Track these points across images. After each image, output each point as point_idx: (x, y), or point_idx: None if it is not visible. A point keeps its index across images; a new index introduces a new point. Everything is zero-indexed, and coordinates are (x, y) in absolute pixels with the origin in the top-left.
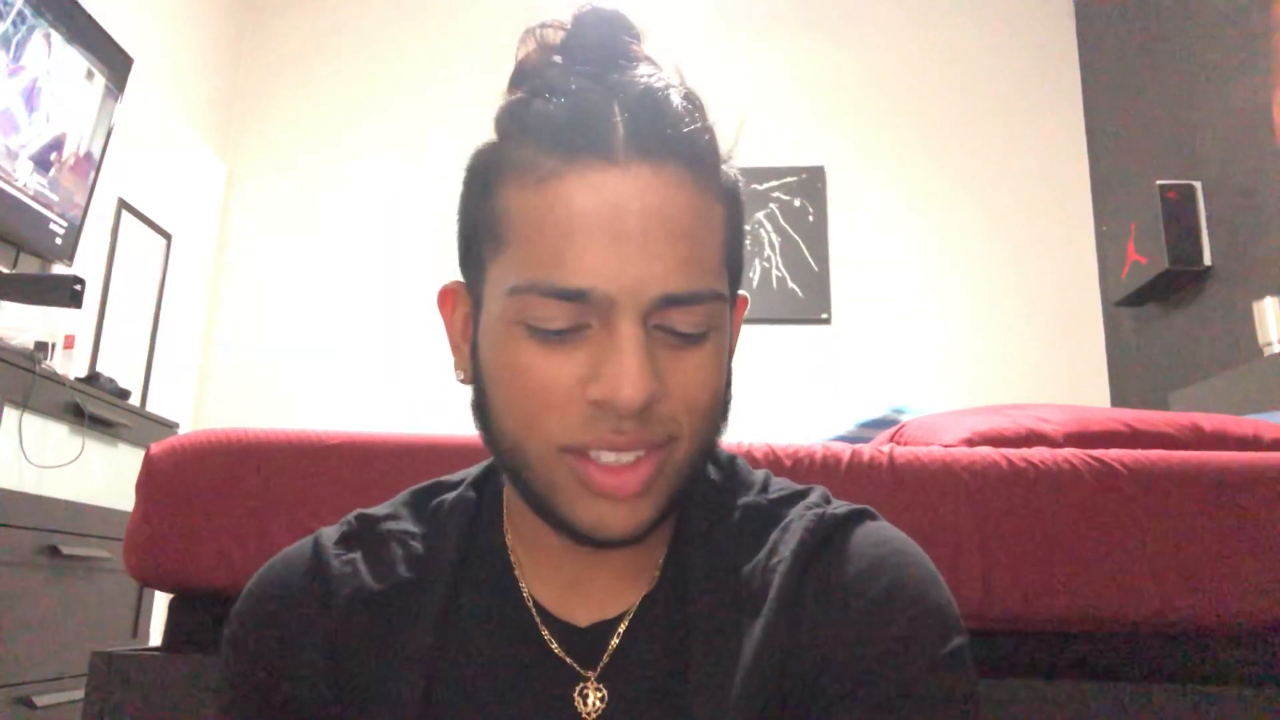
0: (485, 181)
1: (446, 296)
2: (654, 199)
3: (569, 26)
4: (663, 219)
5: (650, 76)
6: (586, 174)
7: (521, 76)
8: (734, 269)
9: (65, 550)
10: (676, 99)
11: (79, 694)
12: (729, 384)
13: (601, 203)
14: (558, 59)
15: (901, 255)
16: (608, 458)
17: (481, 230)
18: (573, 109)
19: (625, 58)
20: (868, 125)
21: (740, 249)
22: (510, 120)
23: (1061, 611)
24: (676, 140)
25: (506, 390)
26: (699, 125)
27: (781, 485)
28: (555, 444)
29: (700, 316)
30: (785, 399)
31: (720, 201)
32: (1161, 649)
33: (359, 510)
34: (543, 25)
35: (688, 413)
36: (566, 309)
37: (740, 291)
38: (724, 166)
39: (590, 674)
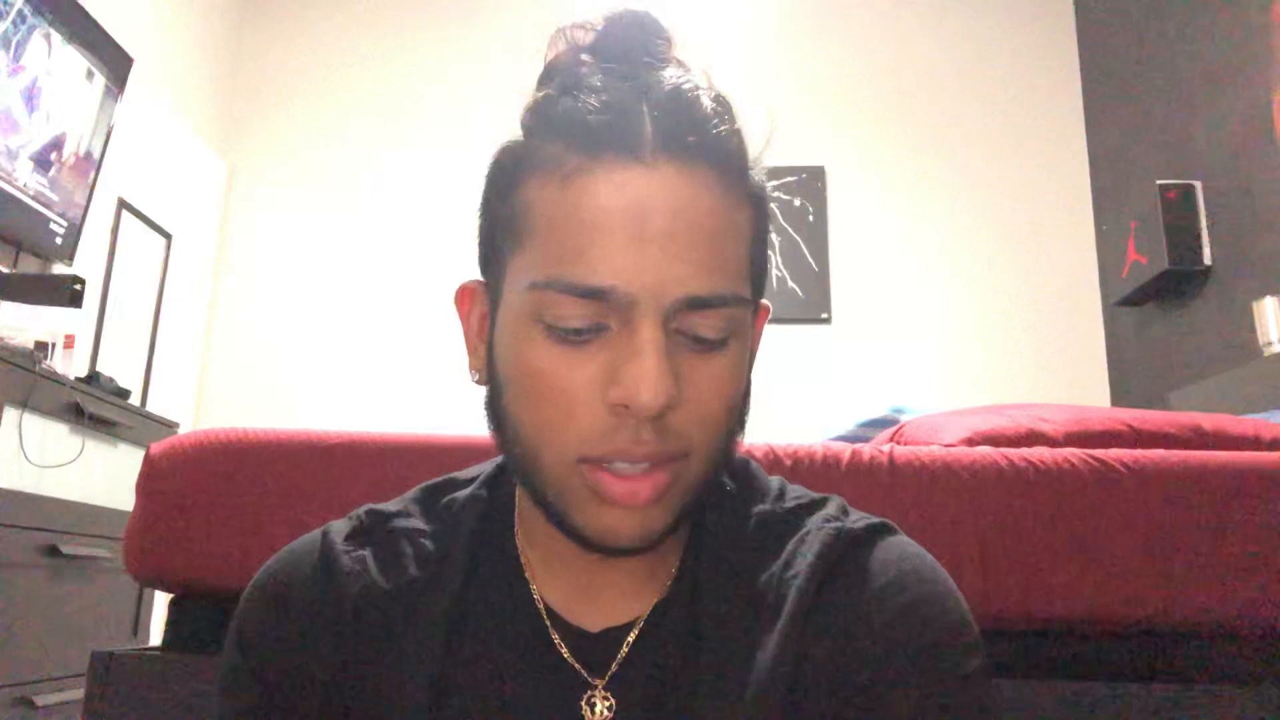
0: (509, 178)
1: (464, 295)
2: (680, 200)
3: (600, 27)
4: (688, 220)
5: (680, 78)
6: (613, 172)
7: (550, 75)
8: (757, 275)
9: (65, 550)
10: (706, 100)
11: (79, 694)
12: (747, 393)
13: (627, 201)
14: (587, 58)
15: (901, 255)
16: (622, 467)
17: (503, 227)
18: (601, 107)
19: (655, 59)
20: (868, 125)
21: (764, 255)
22: (537, 117)
23: (1061, 611)
24: (705, 141)
25: (524, 394)
26: (728, 128)
27: (798, 493)
28: (573, 455)
29: (722, 321)
30: (785, 399)
31: (747, 205)
32: (1161, 649)
33: (368, 505)
34: (574, 25)
35: (699, 426)
36: (586, 307)
37: (763, 300)
38: (751, 171)
39: (598, 682)
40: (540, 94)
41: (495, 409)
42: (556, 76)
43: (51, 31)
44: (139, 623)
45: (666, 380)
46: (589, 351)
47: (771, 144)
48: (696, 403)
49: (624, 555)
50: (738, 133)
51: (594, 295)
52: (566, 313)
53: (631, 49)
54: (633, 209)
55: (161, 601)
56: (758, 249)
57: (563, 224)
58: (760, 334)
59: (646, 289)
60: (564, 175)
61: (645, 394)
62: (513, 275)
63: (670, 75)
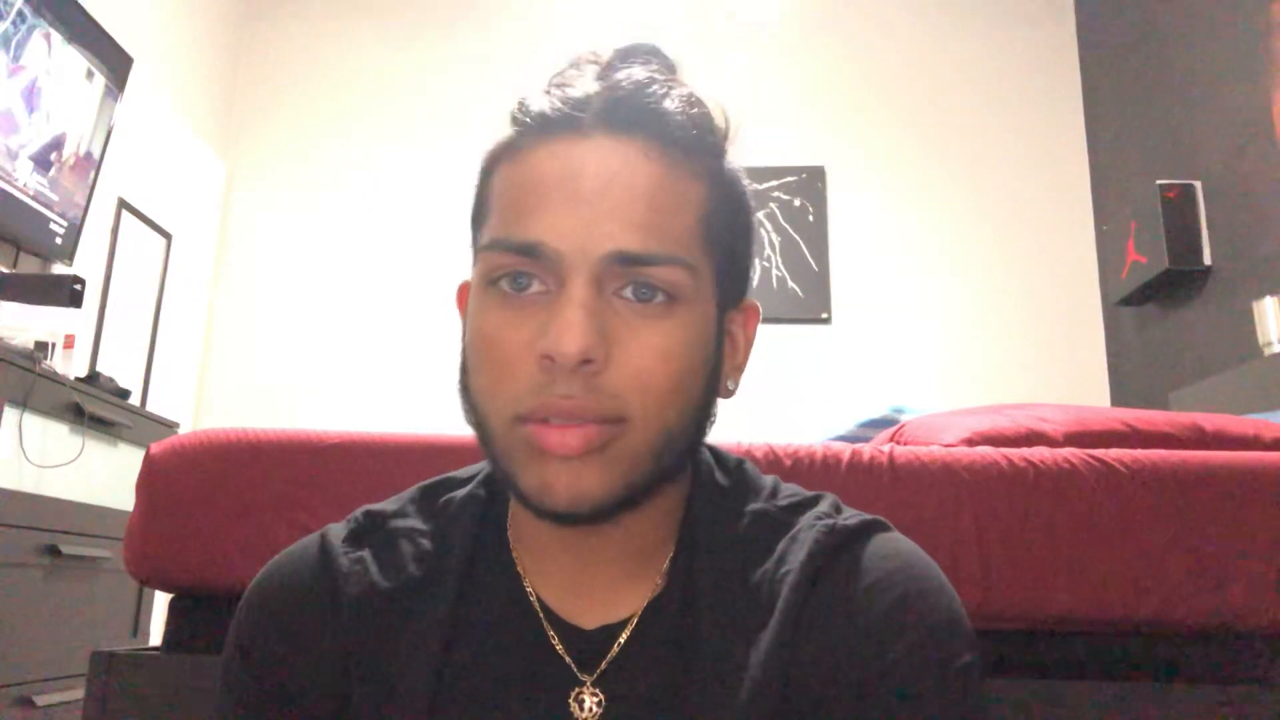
0: (482, 172)
1: (462, 293)
2: (615, 164)
3: (608, 57)
4: (622, 182)
5: (647, 73)
6: (553, 143)
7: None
8: (721, 253)
9: (65, 550)
10: (664, 89)
11: (79, 694)
12: (713, 377)
13: (562, 166)
14: (570, 69)
15: (901, 255)
16: (556, 420)
17: (477, 215)
18: (559, 96)
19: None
20: (868, 125)
21: (728, 235)
22: (511, 117)
23: (1061, 611)
24: (646, 116)
25: (476, 361)
26: (679, 109)
27: (791, 491)
28: (511, 413)
29: (660, 282)
30: (785, 399)
31: (699, 182)
32: (1161, 649)
33: (366, 507)
34: (587, 58)
35: (639, 391)
36: (522, 264)
37: (751, 300)
38: (713, 155)
39: (587, 678)
40: (519, 99)
41: (463, 386)
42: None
43: (51, 31)
44: (139, 623)
45: (586, 330)
46: (528, 313)
47: (770, 145)
48: (633, 366)
49: (567, 523)
50: (696, 120)
51: (526, 251)
52: (504, 267)
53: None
54: (568, 173)
55: (161, 601)
56: (720, 227)
57: (508, 193)
58: (753, 335)
59: (575, 245)
60: (516, 156)
61: (564, 343)
62: (477, 251)
63: (638, 71)
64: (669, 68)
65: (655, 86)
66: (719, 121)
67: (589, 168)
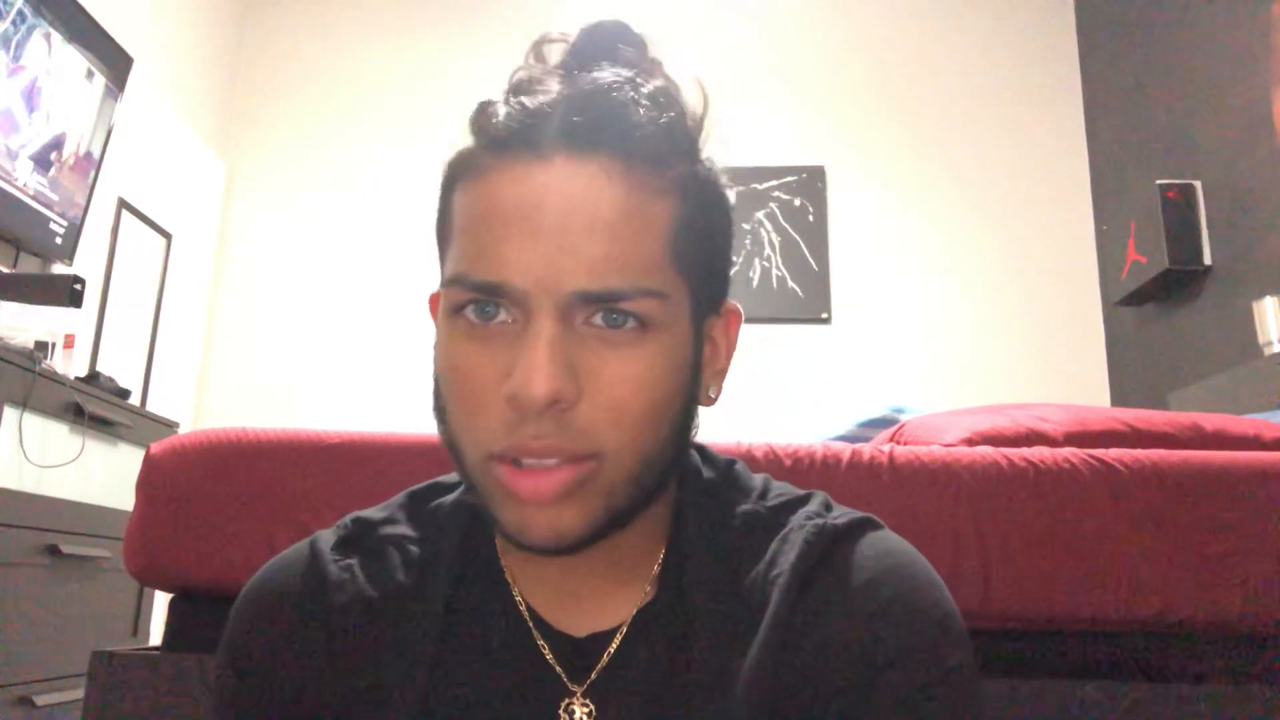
0: (444, 188)
1: (434, 302)
2: (575, 190)
3: (573, 38)
4: (583, 213)
5: (611, 76)
6: (513, 168)
7: (508, 85)
8: (693, 267)
9: (65, 550)
10: (626, 94)
11: (79, 694)
12: (690, 393)
13: (521, 196)
14: (534, 65)
15: (901, 255)
16: (529, 462)
17: (440, 232)
18: (516, 108)
19: (608, 61)
20: (868, 125)
21: (710, 247)
22: (469, 124)
23: (1061, 611)
24: (609, 134)
25: (447, 390)
26: (644, 118)
27: (781, 491)
28: (484, 451)
29: (627, 316)
30: (785, 399)
31: (668, 196)
32: (1161, 649)
33: (354, 514)
34: (545, 39)
35: (613, 425)
36: (487, 299)
37: (731, 303)
38: (681, 161)
39: (577, 689)
40: (479, 103)
41: (438, 410)
42: (508, 86)
43: (51, 31)
44: (139, 623)
45: (553, 371)
46: (496, 346)
47: (771, 145)
48: (605, 399)
49: (551, 555)
50: (660, 125)
51: (490, 291)
52: (470, 301)
53: (597, 56)
54: (525, 203)
55: (161, 601)
56: (687, 241)
57: (470, 223)
58: (734, 338)
59: (538, 283)
60: (474, 176)
61: (531, 386)
62: (443, 276)
63: (604, 75)
64: (638, 46)
65: (620, 92)
66: (695, 109)
67: (549, 197)
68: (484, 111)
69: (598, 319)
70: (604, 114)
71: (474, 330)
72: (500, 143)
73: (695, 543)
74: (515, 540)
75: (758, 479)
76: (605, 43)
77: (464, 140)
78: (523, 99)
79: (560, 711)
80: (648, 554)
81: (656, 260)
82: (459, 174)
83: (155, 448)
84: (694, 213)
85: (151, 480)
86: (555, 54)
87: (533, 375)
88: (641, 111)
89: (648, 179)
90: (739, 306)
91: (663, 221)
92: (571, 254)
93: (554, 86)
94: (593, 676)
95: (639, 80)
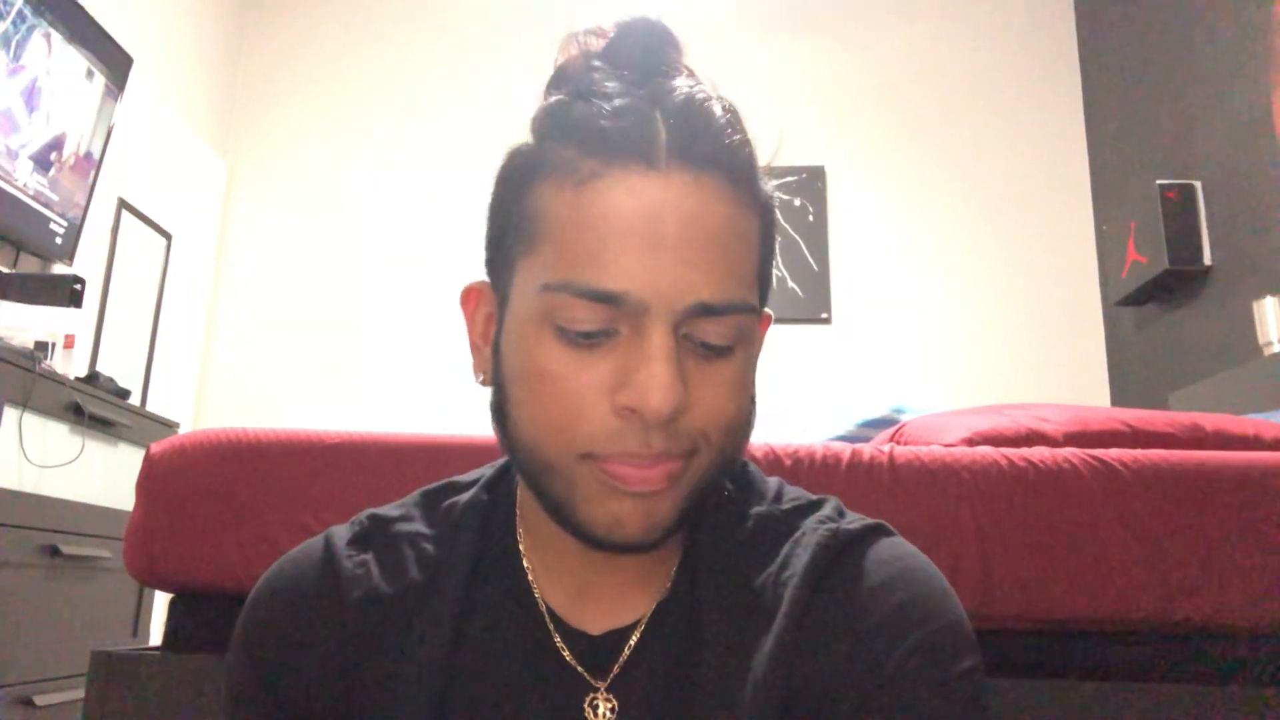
0: (520, 182)
1: (470, 295)
2: (694, 207)
3: (612, 34)
4: (702, 228)
5: (693, 87)
6: (627, 177)
7: (561, 80)
8: (763, 285)
9: (65, 550)
10: (718, 110)
11: (79, 694)
12: (753, 399)
13: (641, 207)
14: (599, 64)
15: (901, 255)
16: (637, 461)
17: (513, 229)
18: (615, 113)
19: (667, 67)
20: (868, 125)
21: (769, 265)
22: (550, 122)
23: (1061, 611)
24: (718, 150)
25: (531, 394)
26: (739, 137)
27: (795, 494)
28: (578, 450)
29: (730, 329)
30: (785, 399)
31: (756, 215)
32: (1161, 649)
33: (370, 510)
34: (586, 32)
35: (714, 427)
36: (598, 311)
37: (765, 309)
38: (760, 181)
39: (601, 684)
40: (553, 98)
41: (501, 409)
42: (568, 82)
43: (51, 31)
44: (139, 623)
45: (677, 386)
46: (599, 354)
47: (767, 144)
48: (705, 408)
49: (629, 552)
50: (748, 142)
51: (607, 300)
52: (578, 316)
53: (643, 56)
54: (647, 215)
55: (161, 601)
56: (764, 259)
57: (576, 228)
58: (763, 342)
59: (660, 295)
60: (578, 180)
61: (656, 399)
62: (522, 278)
63: (683, 84)
64: (678, 49)
65: (713, 105)
66: (749, 132)
67: (670, 211)
68: (568, 113)
69: (701, 331)
70: (706, 129)
71: (571, 336)
72: (609, 150)
73: (710, 542)
74: (600, 535)
75: (772, 482)
76: (650, 42)
77: (509, 135)
78: (615, 103)
79: (585, 707)
80: (668, 552)
81: (750, 276)
82: (544, 173)
83: (155, 448)
84: (769, 229)
85: (151, 480)
86: (594, 47)
87: (655, 389)
88: (736, 130)
89: (744, 196)
90: (770, 311)
91: (754, 237)
92: (693, 268)
93: (632, 91)
94: (615, 671)
95: (722, 96)
